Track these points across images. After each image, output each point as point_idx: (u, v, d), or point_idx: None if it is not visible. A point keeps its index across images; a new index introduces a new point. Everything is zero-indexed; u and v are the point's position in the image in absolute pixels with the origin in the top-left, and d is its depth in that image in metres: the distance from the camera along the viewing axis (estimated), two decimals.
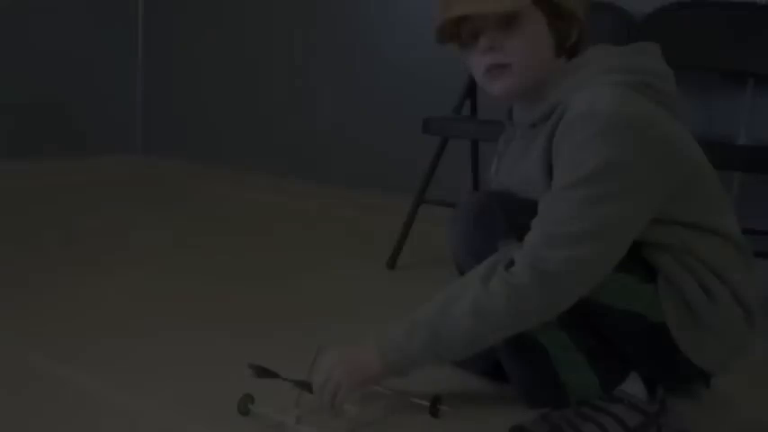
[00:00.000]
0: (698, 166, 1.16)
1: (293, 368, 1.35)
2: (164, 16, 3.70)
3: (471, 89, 2.42)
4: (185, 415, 1.24)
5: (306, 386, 1.23)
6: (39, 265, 2.09)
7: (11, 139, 3.30)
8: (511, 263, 1.09)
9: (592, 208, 1.05)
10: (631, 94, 1.10)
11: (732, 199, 2.15)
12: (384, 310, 1.87)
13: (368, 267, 2.29)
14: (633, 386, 1.19)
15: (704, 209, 1.16)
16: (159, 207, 3.17)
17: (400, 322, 1.18)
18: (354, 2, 3.09)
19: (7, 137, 3.29)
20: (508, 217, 1.17)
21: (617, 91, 1.09)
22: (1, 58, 3.23)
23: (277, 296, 1.94)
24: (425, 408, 1.29)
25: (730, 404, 1.43)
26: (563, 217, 1.06)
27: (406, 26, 2.91)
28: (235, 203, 3.25)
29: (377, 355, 1.17)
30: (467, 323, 1.09)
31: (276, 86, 3.34)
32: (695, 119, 2.17)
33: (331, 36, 3.13)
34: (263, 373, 1.28)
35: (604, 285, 1.11)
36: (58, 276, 2.00)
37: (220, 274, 2.12)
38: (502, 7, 1.14)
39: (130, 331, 1.62)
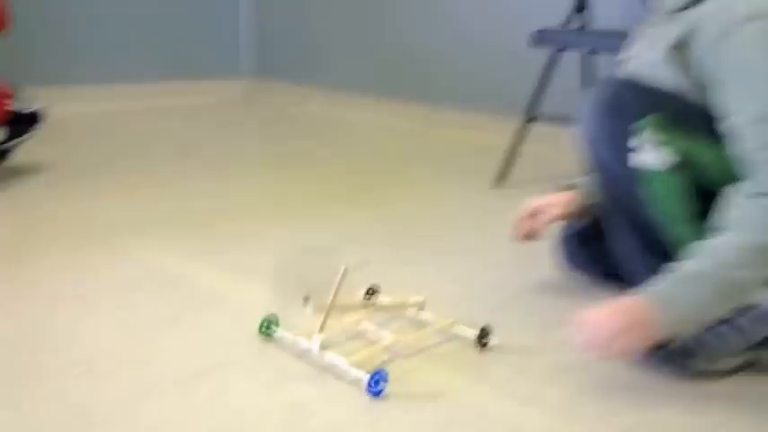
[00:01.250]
0: None
1: (385, 284, 1.33)
2: None
3: (581, 4, 2.27)
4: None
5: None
6: (154, 178, 2.21)
7: (117, 64, 3.34)
8: None
9: None
10: None
11: None
12: (486, 228, 1.81)
13: (473, 186, 2.22)
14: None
15: None
16: (267, 127, 3.22)
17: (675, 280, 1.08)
18: None
19: (115, 61, 3.33)
20: (641, 102, 1.14)
21: None
22: None
23: (376, 212, 1.93)
24: (470, 341, 1.20)
25: None
26: None
27: None
28: (342, 124, 3.22)
29: (657, 316, 1.06)
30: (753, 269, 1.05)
31: (383, 7, 3.24)
32: None
33: None
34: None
35: None
36: (168, 184, 2.13)
37: (321, 191, 2.14)
38: None
39: (233, 226, 1.78)
